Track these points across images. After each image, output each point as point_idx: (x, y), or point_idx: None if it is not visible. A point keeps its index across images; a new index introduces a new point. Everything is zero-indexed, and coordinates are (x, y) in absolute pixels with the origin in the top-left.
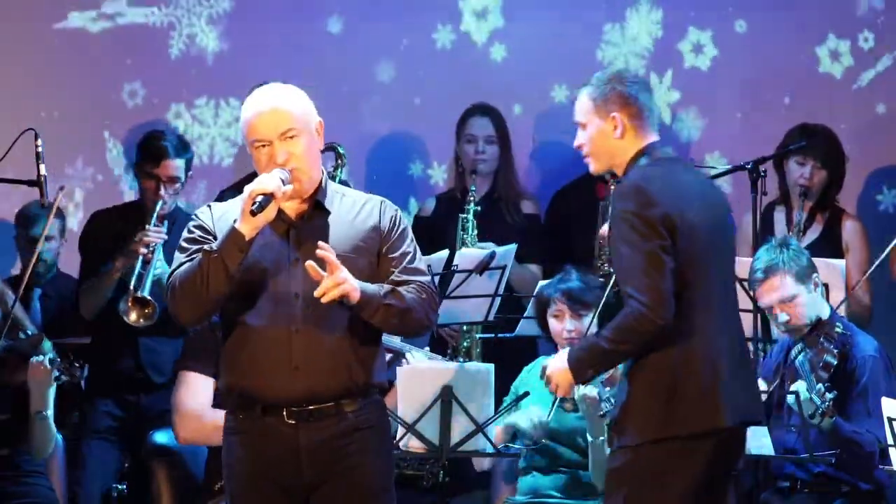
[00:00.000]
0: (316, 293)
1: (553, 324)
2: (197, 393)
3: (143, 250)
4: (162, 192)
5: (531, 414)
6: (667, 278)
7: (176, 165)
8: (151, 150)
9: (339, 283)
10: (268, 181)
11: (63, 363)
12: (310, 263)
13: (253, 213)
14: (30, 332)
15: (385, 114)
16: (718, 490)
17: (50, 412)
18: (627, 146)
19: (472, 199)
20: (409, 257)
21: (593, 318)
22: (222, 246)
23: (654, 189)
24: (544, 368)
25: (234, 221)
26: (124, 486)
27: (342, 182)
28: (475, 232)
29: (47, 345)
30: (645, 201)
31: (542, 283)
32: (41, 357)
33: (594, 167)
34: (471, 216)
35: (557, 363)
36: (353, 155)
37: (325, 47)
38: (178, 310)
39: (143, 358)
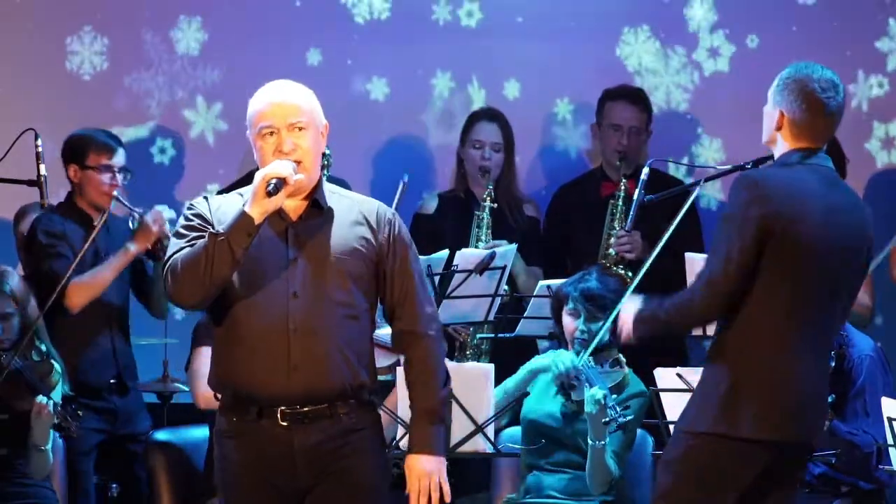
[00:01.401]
0: None
1: (567, 321)
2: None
3: (163, 229)
4: (119, 182)
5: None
6: (730, 279)
7: (124, 154)
8: (100, 142)
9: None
10: (281, 166)
11: (62, 411)
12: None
13: (270, 194)
14: (44, 348)
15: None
16: (771, 500)
17: (49, 445)
18: (783, 141)
19: (487, 197)
20: (407, 270)
21: (604, 324)
22: (230, 229)
23: (767, 190)
24: (619, 311)
25: (244, 205)
26: (118, 485)
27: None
28: (489, 230)
29: (56, 376)
30: (750, 199)
31: (555, 281)
32: (46, 400)
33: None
34: (486, 213)
35: (629, 310)
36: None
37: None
38: (178, 293)
39: (120, 362)
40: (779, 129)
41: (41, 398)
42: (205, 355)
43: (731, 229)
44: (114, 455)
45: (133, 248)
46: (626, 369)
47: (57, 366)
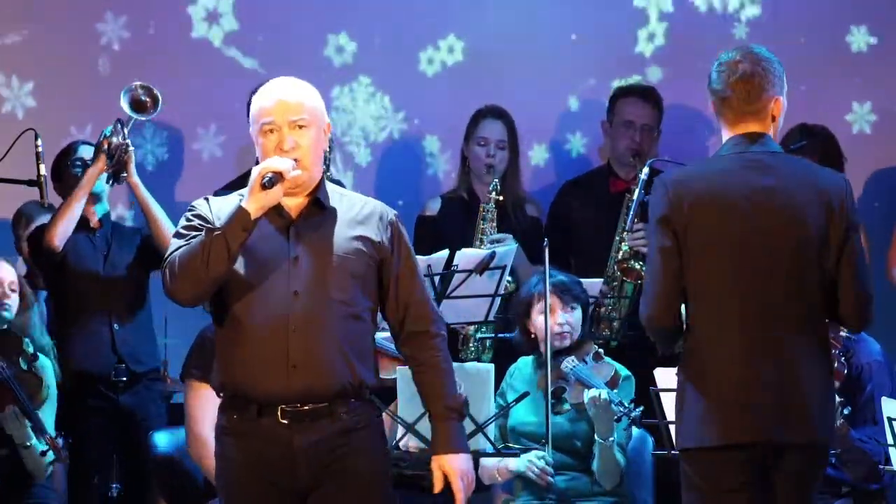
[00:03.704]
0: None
1: (541, 321)
2: (207, 409)
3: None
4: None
5: (531, 458)
6: (666, 281)
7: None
8: (68, 154)
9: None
10: (277, 162)
11: (52, 439)
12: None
13: (264, 187)
14: (31, 349)
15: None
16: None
17: (33, 442)
18: (723, 130)
19: (493, 190)
20: (411, 271)
21: (589, 320)
22: (226, 225)
23: (672, 188)
24: None
25: (241, 200)
26: (121, 486)
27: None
28: (494, 223)
29: (45, 391)
30: (656, 200)
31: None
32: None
33: None
34: (492, 206)
35: None
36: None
37: None
38: (175, 289)
39: (122, 350)
40: (718, 116)
41: (8, 409)
42: (199, 396)
43: (650, 233)
44: (128, 456)
45: (92, 170)
46: (606, 358)
47: (47, 366)
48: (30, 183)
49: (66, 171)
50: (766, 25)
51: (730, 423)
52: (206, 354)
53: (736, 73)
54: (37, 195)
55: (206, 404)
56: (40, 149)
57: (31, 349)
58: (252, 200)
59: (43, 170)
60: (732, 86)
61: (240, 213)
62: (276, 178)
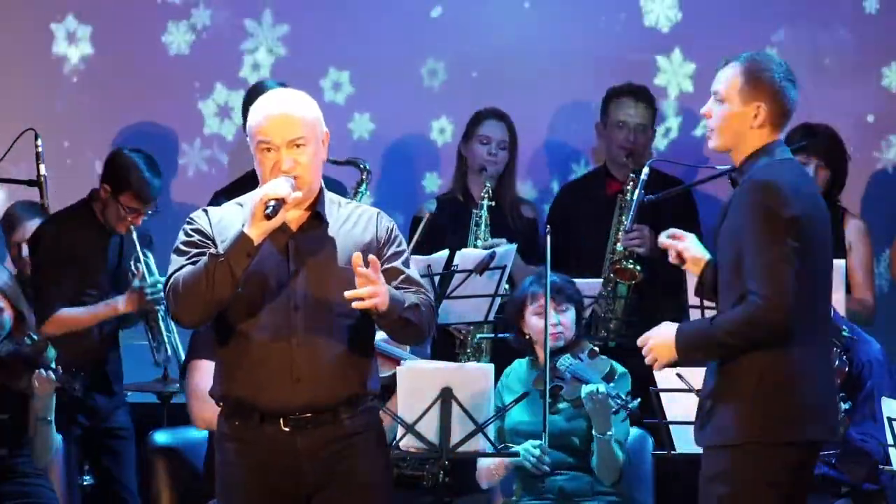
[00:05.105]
0: (347, 295)
1: (535, 321)
2: (208, 379)
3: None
4: (139, 221)
5: (527, 447)
6: (793, 279)
7: (157, 200)
8: (142, 188)
9: (374, 294)
10: (279, 186)
11: (64, 375)
12: (356, 255)
13: (268, 217)
14: (36, 338)
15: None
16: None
17: (51, 417)
18: (758, 137)
19: (486, 195)
20: (407, 270)
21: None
22: (230, 251)
23: (788, 189)
24: (646, 338)
25: (242, 226)
26: (91, 478)
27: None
28: (488, 228)
29: (51, 353)
30: (781, 199)
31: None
32: (46, 372)
33: (714, 143)
34: (484, 211)
35: (662, 337)
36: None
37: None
38: (179, 312)
39: (107, 367)
40: (760, 127)
41: (40, 372)
42: (203, 370)
43: (777, 230)
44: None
45: (121, 306)
46: (601, 356)
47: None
48: (30, 183)
49: (127, 187)
50: None
51: (823, 420)
52: (203, 337)
53: (796, 87)
54: (37, 195)
55: (209, 373)
56: (40, 149)
57: (36, 338)
58: (255, 227)
59: (43, 170)
60: (795, 99)
61: (243, 239)
62: (279, 205)
